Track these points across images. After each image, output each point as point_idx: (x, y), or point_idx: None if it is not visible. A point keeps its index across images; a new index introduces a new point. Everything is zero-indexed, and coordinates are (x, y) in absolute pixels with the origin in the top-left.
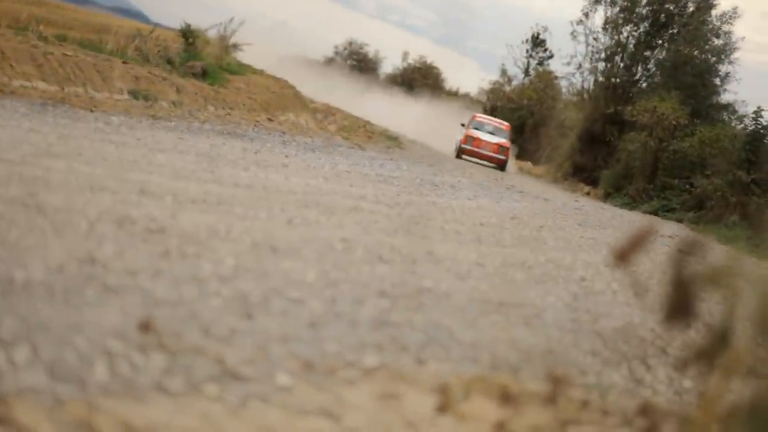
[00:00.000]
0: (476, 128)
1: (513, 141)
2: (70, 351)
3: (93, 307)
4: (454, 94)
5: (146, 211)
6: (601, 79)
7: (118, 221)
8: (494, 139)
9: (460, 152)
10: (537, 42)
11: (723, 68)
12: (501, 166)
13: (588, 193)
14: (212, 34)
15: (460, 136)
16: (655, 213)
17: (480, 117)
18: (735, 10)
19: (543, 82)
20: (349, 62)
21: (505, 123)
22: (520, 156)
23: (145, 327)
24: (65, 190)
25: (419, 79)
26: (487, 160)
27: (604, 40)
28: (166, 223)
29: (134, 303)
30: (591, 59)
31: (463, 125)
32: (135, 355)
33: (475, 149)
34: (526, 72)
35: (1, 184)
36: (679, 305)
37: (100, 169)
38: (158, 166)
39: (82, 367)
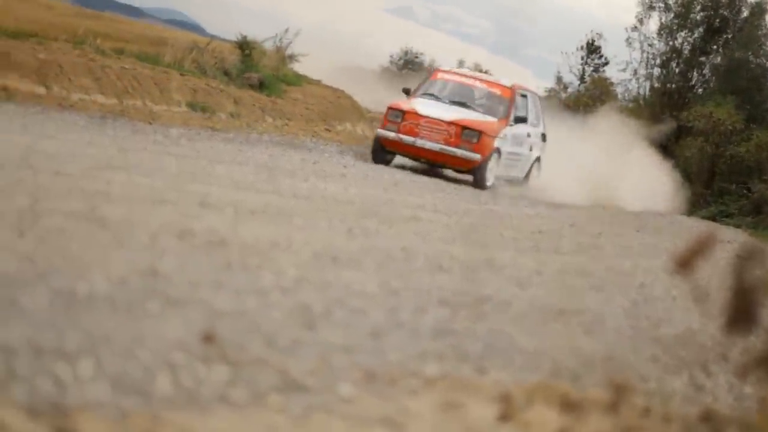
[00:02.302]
0: (432, 96)
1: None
2: (133, 363)
3: (155, 320)
4: None
5: (207, 223)
6: (656, 85)
7: (179, 233)
8: (460, 117)
9: (378, 147)
10: (592, 49)
11: None
12: (475, 175)
13: None
14: (268, 45)
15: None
16: (712, 218)
17: (447, 74)
18: None
19: (599, 89)
20: (404, 71)
21: (511, 84)
22: None
23: (208, 339)
24: (126, 202)
25: None
26: (438, 162)
27: (659, 45)
28: (227, 235)
29: (196, 315)
30: (646, 65)
31: (407, 92)
32: (198, 367)
33: (410, 139)
34: (582, 79)
35: (62, 197)
36: (740, 311)
37: (160, 181)
38: (218, 177)
39: (146, 380)
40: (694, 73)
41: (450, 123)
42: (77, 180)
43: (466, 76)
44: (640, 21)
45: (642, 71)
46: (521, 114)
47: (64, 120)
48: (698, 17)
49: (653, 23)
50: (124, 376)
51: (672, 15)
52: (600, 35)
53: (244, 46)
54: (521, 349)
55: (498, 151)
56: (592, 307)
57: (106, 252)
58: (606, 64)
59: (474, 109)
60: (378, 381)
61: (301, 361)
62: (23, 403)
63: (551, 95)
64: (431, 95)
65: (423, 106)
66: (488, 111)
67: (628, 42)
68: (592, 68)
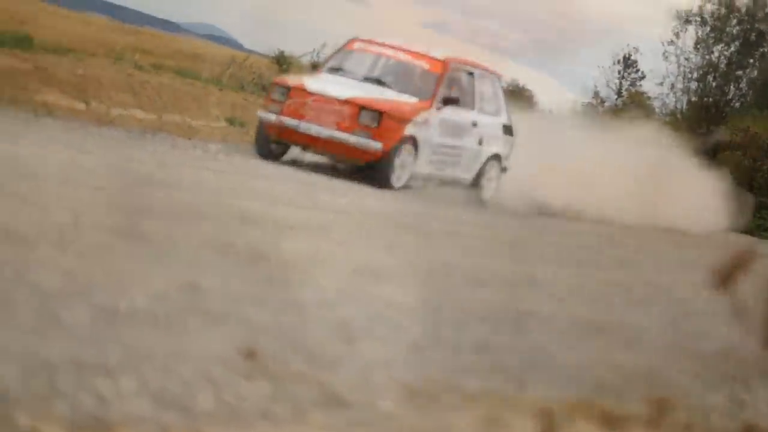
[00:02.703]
0: (339, 71)
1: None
2: (174, 378)
3: (196, 335)
4: None
5: (247, 238)
6: (693, 99)
7: (220, 248)
8: (359, 94)
9: (261, 135)
10: (629, 63)
11: None
12: (375, 171)
13: None
14: (305, 60)
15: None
16: (751, 233)
17: (365, 43)
18: None
19: (636, 103)
20: None
21: (444, 57)
22: None
23: (249, 354)
24: (166, 217)
25: (511, 102)
26: (328, 153)
27: (696, 59)
28: (267, 250)
29: (238, 330)
30: (683, 79)
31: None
32: (239, 383)
33: (293, 123)
34: (619, 93)
35: (103, 212)
36: None
37: (200, 196)
38: (257, 192)
39: (187, 395)
40: (731, 87)
41: (344, 102)
42: (118, 195)
43: (388, 46)
44: (677, 35)
45: (679, 85)
46: (460, 95)
47: (102, 135)
48: (734, 31)
49: (689, 37)
50: (166, 391)
51: (708, 29)
52: (636, 49)
53: (282, 60)
54: (562, 364)
55: (413, 140)
56: (632, 322)
57: (147, 267)
58: (643, 78)
59: (390, 88)
60: (419, 396)
61: (343, 377)
62: (65, 418)
63: (588, 109)
64: (338, 69)
65: (316, 81)
66: (409, 90)
67: (665, 56)
68: (628, 82)
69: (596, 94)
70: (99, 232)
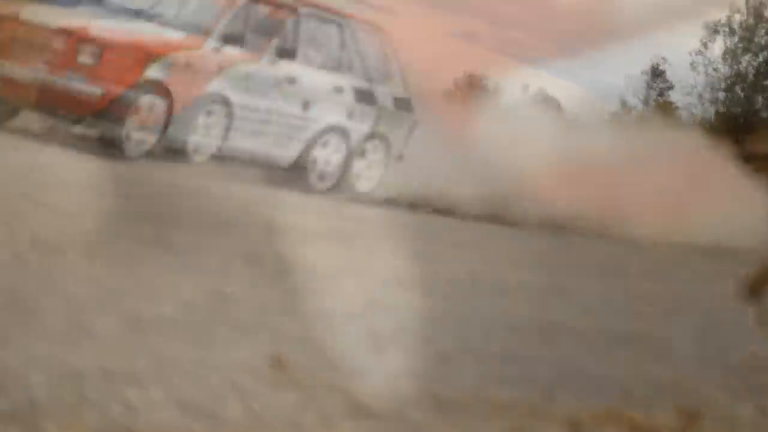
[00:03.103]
0: (97, 3)
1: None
2: (202, 388)
3: (224, 344)
4: None
5: (274, 247)
6: (721, 109)
7: (247, 258)
8: (84, 24)
9: None
10: (656, 73)
11: None
12: (100, 131)
13: None
14: None
15: None
16: None
17: None
18: None
19: (664, 113)
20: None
21: None
22: None
23: (277, 363)
24: (194, 227)
25: (541, 109)
26: (40, 105)
27: (724, 70)
28: (295, 259)
29: (265, 339)
30: (711, 89)
31: None
32: (267, 392)
33: None
34: (646, 103)
35: (132, 222)
36: None
37: (227, 205)
38: (284, 202)
39: (215, 404)
40: (759, 97)
41: (59, 32)
42: (146, 204)
43: None
44: (705, 45)
45: (707, 95)
46: (265, 38)
47: None
48: (762, 41)
49: (717, 47)
50: (194, 400)
51: (736, 39)
52: (664, 59)
53: None
54: (590, 375)
55: (162, 88)
56: (660, 333)
57: (175, 277)
58: (670, 88)
59: (163, 23)
60: (448, 407)
61: (371, 386)
62: (94, 427)
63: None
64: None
65: (38, 10)
66: (183, 26)
67: (693, 66)
68: (656, 92)
69: (624, 103)
70: (127, 241)
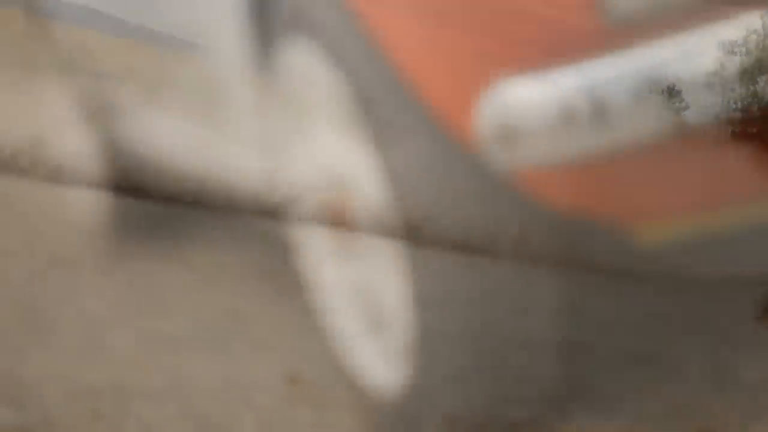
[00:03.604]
0: None
1: None
2: (217, 405)
3: (240, 361)
4: None
5: (291, 264)
6: (737, 129)
7: (262, 274)
8: None
9: None
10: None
11: None
12: None
13: None
14: None
15: None
16: None
17: None
18: None
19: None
20: None
21: None
22: None
23: (293, 381)
24: (209, 242)
25: None
26: None
27: (740, 90)
28: (310, 276)
29: (281, 357)
30: (727, 110)
31: None
32: (283, 409)
33: None
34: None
35: (148, 239)
36: None
37: (244, 221)
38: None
39: (230, 421)
40: None
41: None
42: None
43: None
44: (721, 65)
45: (723, 115)
46: None
47: None
48: None
49: (733, 67)
50: (209, 417)
51: (753, 59)
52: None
53: None
54: (604, 393)
55: None
56: (673, 352)
57: (190, 293)
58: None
59: None
60: (462, 426)
61: (385, 405)
62: None
63: None
64: None
65: None
66: None
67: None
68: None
69: None
70: (144, 260)
